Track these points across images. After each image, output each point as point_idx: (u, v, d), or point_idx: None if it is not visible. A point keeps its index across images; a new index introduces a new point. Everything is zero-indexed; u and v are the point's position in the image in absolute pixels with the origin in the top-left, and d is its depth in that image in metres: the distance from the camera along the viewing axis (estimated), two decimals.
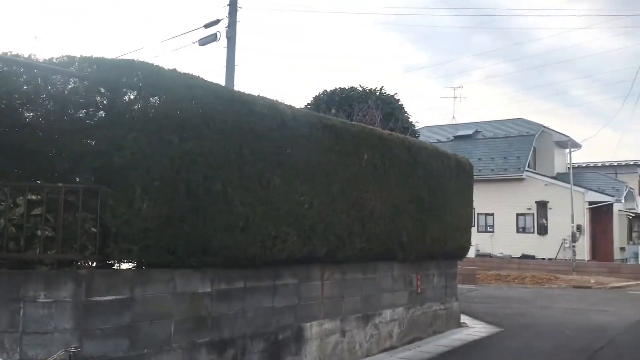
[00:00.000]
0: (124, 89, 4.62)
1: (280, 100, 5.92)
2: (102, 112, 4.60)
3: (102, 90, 4.60)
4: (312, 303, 6.35)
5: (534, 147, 30.87)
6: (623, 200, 29.64)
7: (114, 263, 4.59)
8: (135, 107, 4.62)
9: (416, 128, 10.73)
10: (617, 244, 29.15)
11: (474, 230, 30.91)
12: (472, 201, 9.77)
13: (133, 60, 4.75)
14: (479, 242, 30.06)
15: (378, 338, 7.46)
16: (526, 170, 29.45)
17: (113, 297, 4.36)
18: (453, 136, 33.27)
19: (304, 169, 5.93)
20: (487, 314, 10.86)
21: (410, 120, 10.96)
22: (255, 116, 5.45)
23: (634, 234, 33.07)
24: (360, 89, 11.01)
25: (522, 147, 30.79)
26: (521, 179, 29.29)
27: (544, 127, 32.08)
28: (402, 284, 8.02)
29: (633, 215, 32.49)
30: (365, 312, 7.21)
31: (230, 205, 5.09)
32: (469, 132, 33.99)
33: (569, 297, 14.59)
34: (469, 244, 9.65)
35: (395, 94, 11.07)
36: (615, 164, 38.61)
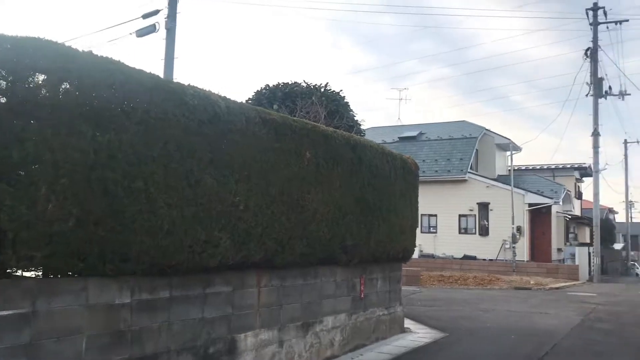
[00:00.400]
0: (29, 72, 4.00)
1: (214, 91, 5.40)
2: (0, 97, 3.97)
3: (1, 72, 3.97)
4: (248, 312, 5.86)
5: (476, 149, 31.31)
6: (561, 202, 30.40)
7: (13, 272, 3.97)
8: (42, 93, 4.01)
9: (362, 127, 10.39)
10: (554, 245, 29.89)
11: (417, 231, 31.23)
12: (417, 202, 9.49)
13: (39, 38, 4.13)
14: (422, 242, 30.23)
15: (319, 347, 7.04)
16: (468, 172, 29.81)
17: (10, 312, 3.75)
18: (398, 137, 33.39)
19: (239, 167, 5.43)
20: (431, 318, 10.63)
21: (355, 118, 10.59)
22: (184, 107, 4.92)
23: (570, 235, 34.07)
24: (305, 84, 10.54)
25: (465, 149, 31.18)
26: (464, 181, 29.62)
27: (486, 129, 32.59)
28: (345, 289, 7.63)
29: (570, 217, 33.44)
30: (305, 320, 6.78)
31: (153, 206, 4.54)
32: (414, 133, 34.23)
33: (511, 298, 14.61)
34: (414, 246, 9.36)
35: (341, 90, 10.69)
36: (553, 167, 39.78)
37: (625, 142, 46.09)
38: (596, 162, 26.79)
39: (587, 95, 26.62)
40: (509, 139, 31.86)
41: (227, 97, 5.55)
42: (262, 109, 6.01)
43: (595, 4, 26.14)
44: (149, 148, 4.56)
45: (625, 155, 46.53)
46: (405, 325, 9.52)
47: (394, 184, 8.47)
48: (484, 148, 32.11)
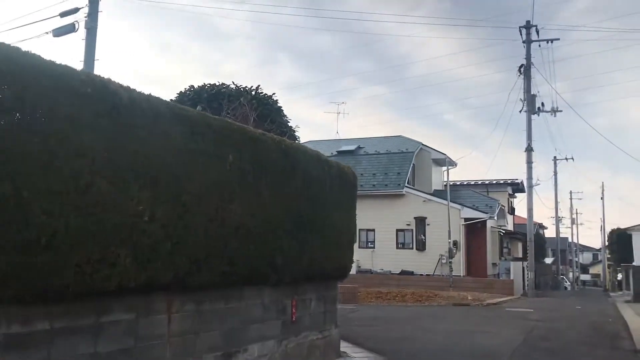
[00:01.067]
0: None
1: (113, 80, 4.51)
2: None
3: None
4: (155, 343, 4.94)
5: (413, 164, 31.25)
6: (495, 217, 30.67)
7: None
8: None
9: (296, 134, 9.57)
10: (490, 260, 30.04)
11: (355, 246, 30.72)
12: (355, 215, 8.79)
13: None
14: (360, 258, 29.71)
15: None
16: (406, 187, 29.63)
17: None
18: (336, 151, 32.88)
19: (144, 170, 4.55)
20: (369, 339, 9.92)
21: (289, 124, 9.77)
22: (74, 96, 4.01)
23: (504, 250, 34.45)
24: (234, 86, 9.67)
25: (402, 163, 31.05)
26: (401, 195, 29.41)
27: (423, 144, 32.64)
28: (274, 312, 6.79)
29: (504, 232, 33.82)
30: (227, 349, 5.89)
31: (26, 214, 3.61)
32: (352, 147, 33.92)
33: (450, 316, 14.13)
34: (351, 262, 8.63)
35: (273, 94, 9.94)
36: (487, 182, 40.37)
37: (555, 158, 47.51)
38: (530, 177, 27.12)
39: (520, 111, 27.01)
40: (445, 154, 31.98)
41: (132, 87, 4.67)
42: (176, 104, 5.15)
43: (528, 22, 26.61)
44: (23, 143, 3.63)
45: (555, 172, 47.95)
46: (342, 349, 8.76)
47: (330, 194, 7.74)
48: (421, 163, 32.11)
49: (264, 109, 9.38)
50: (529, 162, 26.97)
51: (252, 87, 9.46)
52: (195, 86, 9.82)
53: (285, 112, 9.29)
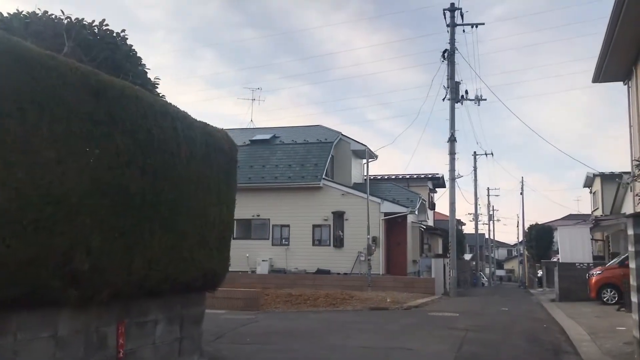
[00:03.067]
0: None
1: None
2: None
3: None
4: None
5: (332, 155, 29.19)
6: (416, 212, 29.17)
7: None
8: None
9: (158, 90, 7.04)
10: (410, 257, 28.47)
11: (267, 243, 28.33)
12: (233, 200, 6.41)
13: None
14: (273, 256, 27.42)
15: None
16: (324, 179, 27.51)
17: None
18: (249, 140, 30.37)
19: None
20: None
21: (148, 76, 7.21)
22: None
23: (425, 247, 33.09)
24: (64, 17, 7.06)
25: (320, 154, 28.92)
26: (318, 188, 27.24)
27: (342, 135, 30.66)
28: (80, 346, 4.29)
29: (425, 227, 32.46)
30: None
31: None
32: (267, 136, 31.48)
33: (365, 325, 11.98)
34: (226, 266, 6.26)
35: (123, 31, 7.30)
36: (408, 176, 39.17)
37: (475, 153, 47.07)
38: (452, 168, 25.66)
39: (444, 99, 25.48)
40: (365, 145, 30.12)
41: None
42: None
43: (452, 4, 25.08)
44: None
45: (475, 167, 47.52)
46: None
47: (188, 167, 5.32)
48: (340, 154, 30.11)
49: (107, 52, 6.88)
50: (452, 153, 25.50)
51: (93, 21, 6.91)
52: (6, 14, 7.13)
53: (139, 53, 6.71)
